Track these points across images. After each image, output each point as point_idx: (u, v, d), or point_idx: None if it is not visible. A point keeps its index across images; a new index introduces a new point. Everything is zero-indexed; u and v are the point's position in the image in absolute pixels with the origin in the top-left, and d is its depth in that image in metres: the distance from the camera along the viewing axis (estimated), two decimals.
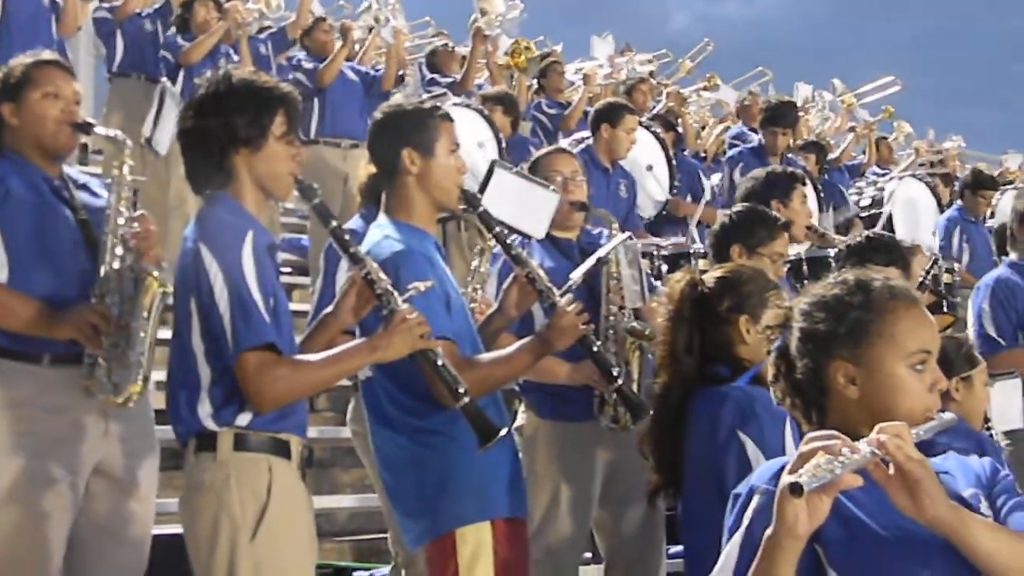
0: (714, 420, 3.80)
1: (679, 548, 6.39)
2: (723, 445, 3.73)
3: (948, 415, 2.66)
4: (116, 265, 4.40)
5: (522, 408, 5.71)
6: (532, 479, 5.36)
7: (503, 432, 4.02)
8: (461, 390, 3.97)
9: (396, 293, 3.97)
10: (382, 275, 4.01)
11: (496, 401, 4.41)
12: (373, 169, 5.00)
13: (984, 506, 2.64)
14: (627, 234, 5.60)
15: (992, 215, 10.63)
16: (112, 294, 4.37)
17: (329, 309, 4.18)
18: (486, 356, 4.39)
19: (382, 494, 5.52)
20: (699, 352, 3.94)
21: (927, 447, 2.52)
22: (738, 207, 5.65)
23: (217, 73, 4.09)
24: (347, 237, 4.08)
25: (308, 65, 10.89)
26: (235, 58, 10.22)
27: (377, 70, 11.35)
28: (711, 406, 3.83)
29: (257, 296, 3.82)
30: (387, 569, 5.94)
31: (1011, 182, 13.95)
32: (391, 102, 4.67)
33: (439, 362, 3.97)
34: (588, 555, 6.14)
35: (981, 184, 10.79)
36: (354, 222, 5.90)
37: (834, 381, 2.68)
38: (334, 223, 4.09)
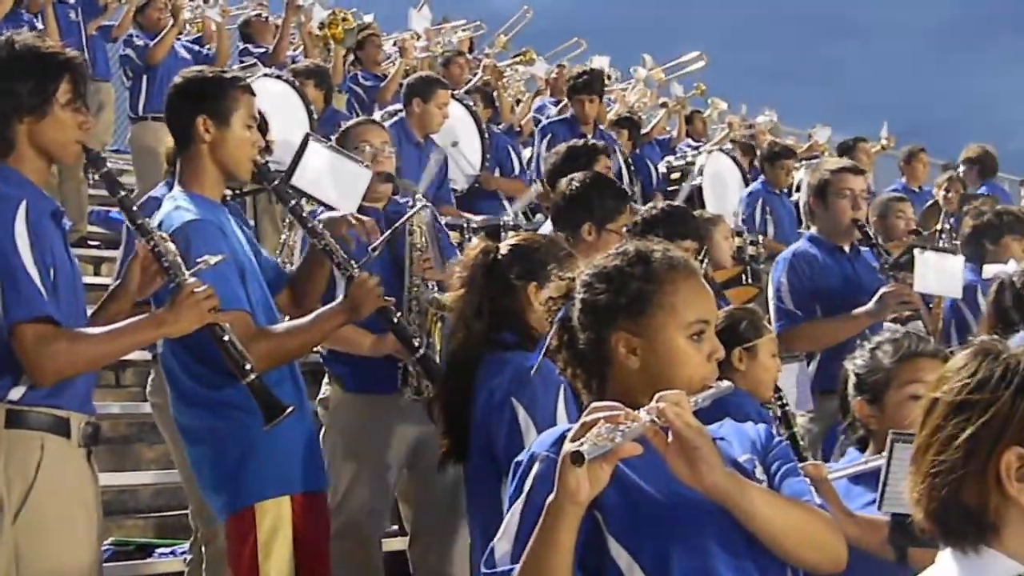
0: (491, 387, 3.83)
1: None
2: (497, 412, 3.77)
3: (725, 383, 2.72)
4: None
5: (326, 380, 5.68)
6: (336, 451, 5.35)
7: (290, 410, 3.99)
8: (248, 366, 3.94)
9: (184, 266, 3.91)
10: (170, 247, 3.94)
11: (293, 375, 4.39)
12: None
13: (759, 471, 2.71)
14: (422, 203, 5.60)
15: (798, 188, 10.89)
16: None
17: (118, 281, 4.11)
18: (282, 326, 4.36)
19: (181, 468, 5.45)
20: (489, 319, 3.96)
21: (705, 416, 2.58)
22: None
23: None
24: (135, 207, 4.01)
25: (139, 42, 10.76)
26: (39, 26, 9.93)
27: (210, 49, 11.22)
28: (491, 373, 3.87)
29: (31, 267, 3.71)
30: (188, 544, 5.86)
31: (818, 156, 14.29)
32: (191, 69, 4.61)
33: (226, 337, 3.93)
34: (395, 527, 6.14)
35: (778, 155, 11.04)
36: (158, 190, 5.81)
37: (615, 352, 2.72)
38: (122, 192, 4.02)
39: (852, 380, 3.85)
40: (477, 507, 3.90)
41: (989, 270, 6.01)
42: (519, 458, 2.70)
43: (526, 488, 2.60)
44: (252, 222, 8.10)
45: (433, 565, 5.63)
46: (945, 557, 2.16)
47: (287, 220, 6.17)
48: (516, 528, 2.58)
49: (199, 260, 3.94)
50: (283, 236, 6.01)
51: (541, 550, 2.46)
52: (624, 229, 5.36)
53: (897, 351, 3.77)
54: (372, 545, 5.57)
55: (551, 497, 2.42)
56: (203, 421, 4.26)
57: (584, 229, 5.32)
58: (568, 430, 2.54)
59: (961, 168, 11.82)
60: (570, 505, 2.40)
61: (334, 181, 5.00)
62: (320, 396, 5.70)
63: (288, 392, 4.24)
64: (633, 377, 2.70)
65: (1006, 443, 2.07)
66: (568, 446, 2.39)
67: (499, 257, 4.03)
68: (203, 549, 5.44)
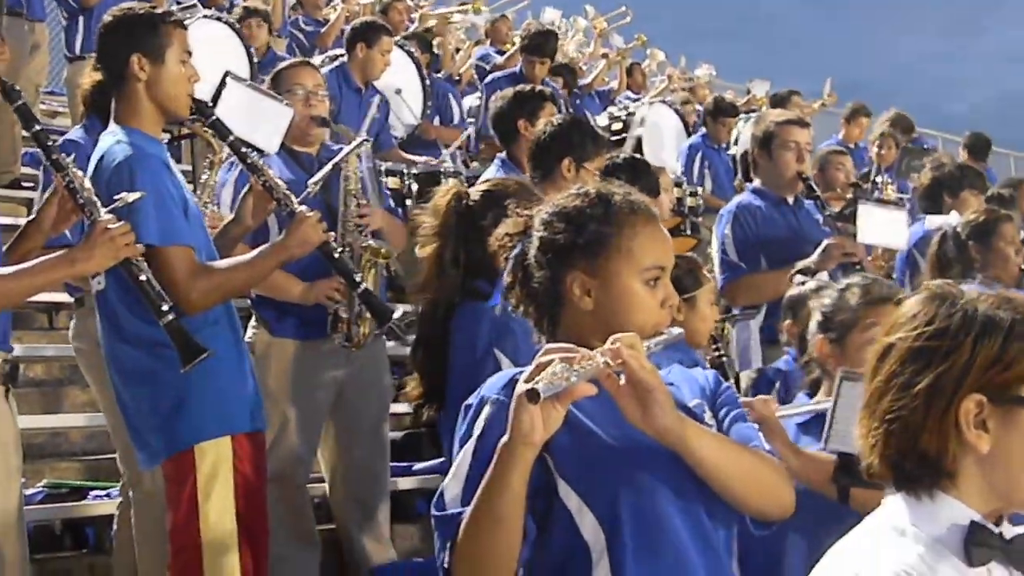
0: (472, 336, 3.79)
1: (429, 463, 6.50)
2: (480, 361, 3.72)
3: (676, 330, 2.70)
4: None
5: (252, 323, 5.62)
6: (264, 396, 5.30)
7: (207, 353, 3.94)
8: (165, 307, 3.90)
9: (99, 203, 3.84)
10: (87, 184, 3.88)
11: (230, 315, 4.34)
12: (97, 77, 4.86)
13: (708, 416, 2.70)
14: (362, 138, 5.53)
15: (736, 142, 10.90)
16: None
17: (30, 218, 4.04)
18: (225, 261, 4.31)
19: (108, 411, 5.34)
20: (464, 266, 3.90)
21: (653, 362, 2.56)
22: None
23: None
24: (51, 143, 3.93)
25: None
26: None
27: None
28: (470, 322, 3.82)
29: None
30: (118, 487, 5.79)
31: (756, 109, 14.31)
32: (121, 6, 4.50)
33: (143, 276, 3.88)
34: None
35: (722, 111, 11.10)
36: (75, 132, 5.70)
37: (570, 292, 2.69)
38: (37, 127, 3.95)
39: (817, 318, 3.83)
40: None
41: (933, 221, 6.04)
42: (468, 401, 2.68)
43: (476, 431, 2.59)
44: (189, 166, 7.98)
45: (355, 515, 5.63)
46: (895, 501, 2.16)
47: (207, 161, 6.06)
48: (467, 470, 2.56)
49: (116, 197, 3.88)
50: (203, 177, 5.92)
51: (493, 493, 2.44)
52: (599, 171, 5.37)
53: (866, 294, 3.77)
54: (301, 490, 5.56)
55: (504, 439, 2.40)
56: (141, 361, 4.18)
57: (564, 164, 5.35)
58: (519, 373, 2.52)
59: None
60: (523, 446, 2.38)
61: (255, 120, 4.94)
62: (245, 339, 5.65)
63: (224, 333, 4.19)
64: (586, 319, 2.68)
65: (966, 390, 2.07)
66: (522, 385, 2.36)
67: (471, 203, 3.97)
68: (130, 493, 5.36)
